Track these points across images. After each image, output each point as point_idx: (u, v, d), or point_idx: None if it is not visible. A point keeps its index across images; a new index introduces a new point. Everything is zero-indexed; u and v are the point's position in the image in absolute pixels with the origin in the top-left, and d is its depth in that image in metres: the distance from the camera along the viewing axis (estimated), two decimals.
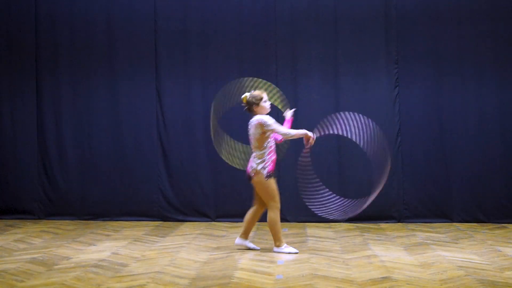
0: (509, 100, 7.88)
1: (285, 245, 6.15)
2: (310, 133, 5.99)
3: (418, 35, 8.00)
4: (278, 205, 6.07)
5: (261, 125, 5.92)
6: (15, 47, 8.63)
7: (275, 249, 6.16)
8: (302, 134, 6.00)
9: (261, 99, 6.05)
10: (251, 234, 6.53)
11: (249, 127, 6.05)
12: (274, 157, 6.05)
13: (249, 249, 6.28)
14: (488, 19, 7.90)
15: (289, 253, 6.07)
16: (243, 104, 6.15)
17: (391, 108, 8.00)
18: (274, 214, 6.03)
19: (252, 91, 6.15)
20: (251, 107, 6.08)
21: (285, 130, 6.05)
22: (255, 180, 6.00)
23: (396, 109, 7.95)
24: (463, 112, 7.93)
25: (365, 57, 8.05)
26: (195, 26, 8.33)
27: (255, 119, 5.99)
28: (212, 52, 8.32)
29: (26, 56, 8.59)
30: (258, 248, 6.32)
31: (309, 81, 8.10)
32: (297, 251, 6.11)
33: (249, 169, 6.06)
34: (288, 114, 6.35)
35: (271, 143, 6.04)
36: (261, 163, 5.97)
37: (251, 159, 6.07)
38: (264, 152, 5.97)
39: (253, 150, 6.06)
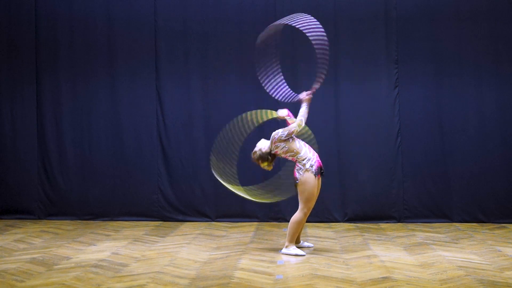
0: (509, 100, 7.87)
1: (294, 247, 6.12)
2: (305, 96, 6.18)
3: (418, 35, 7.99)
4: (308, 212, 6.08)
5: (279, 141, 6.00)
6: (15, 47, 8.63)
7: (282, 250, 6.14)
8: (304, 111, 6.07)
9: (267, 153, 6.12)
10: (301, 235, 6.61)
11: (276, 153, 6.11)
12: (316, 153, 6.10)
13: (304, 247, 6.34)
14: (488, 19, 7.89)
15: (296, 255, 6.02)
16: (264, 166, 6.23)
17: (391, 108, 8.00)
18: (300, 216, 6.04)
19: (258, 153, 6.15)
20: (270, 158, 6.17)
21: (294, 124, 6.03)
22: (302, 179, 5.96)
23: (396, 109, 7.94)
24: (463, 112, 7.93)
25: (365, 57, 8.05)
26: (195, 26, 8.33)
27: (273, 144, 6.05)
28: (212, 52, 8.32)
29: (26, 56, 8.60)
30: (312, 245, 6.44)
31: (309, 80, 8.08)
32: (305, 253, 6.05)
33: (296, 173, 6.03)
34: (283, 113, 6.27)
35: (302, 142, 6.10)
36: (307, 161, 5.98)
37: (296, 167, 6.05)
38: (305, 151, 6.02)
39: (294, 161, 6.07)
